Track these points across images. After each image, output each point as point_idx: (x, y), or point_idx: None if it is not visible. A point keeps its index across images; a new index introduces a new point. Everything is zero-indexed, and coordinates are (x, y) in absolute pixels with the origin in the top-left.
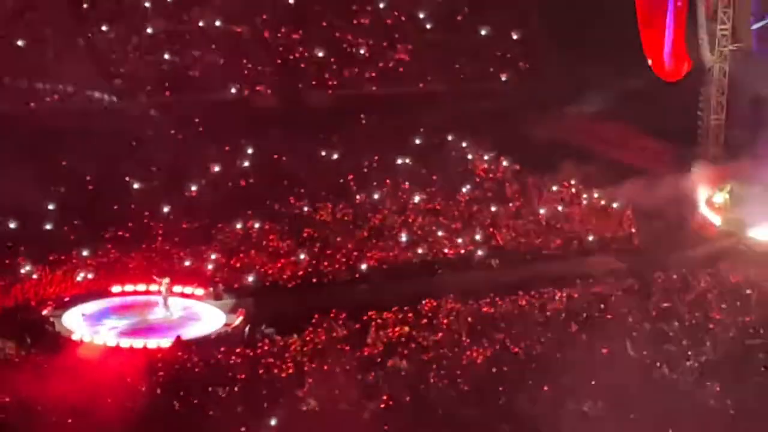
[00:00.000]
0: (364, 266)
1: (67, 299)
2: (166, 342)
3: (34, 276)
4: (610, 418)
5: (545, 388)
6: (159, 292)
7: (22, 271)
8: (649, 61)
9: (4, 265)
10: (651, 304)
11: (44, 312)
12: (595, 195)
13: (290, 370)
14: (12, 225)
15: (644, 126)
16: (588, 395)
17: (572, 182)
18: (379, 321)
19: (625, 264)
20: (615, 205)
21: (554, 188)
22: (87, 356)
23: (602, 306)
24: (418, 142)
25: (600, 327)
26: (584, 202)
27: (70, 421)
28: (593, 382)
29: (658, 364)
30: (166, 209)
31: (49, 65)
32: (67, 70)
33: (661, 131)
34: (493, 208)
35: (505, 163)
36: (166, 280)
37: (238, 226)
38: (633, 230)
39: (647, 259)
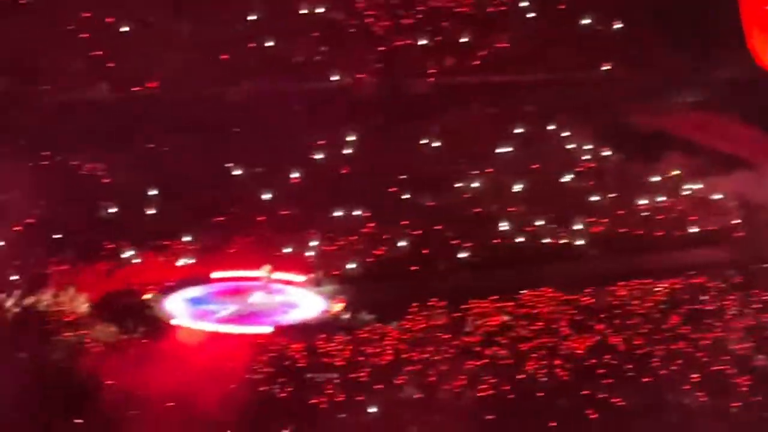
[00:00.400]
0: (464, 255)
1: (169, 284)
2: (266, 328)
3: (137, 261)
4: (710, 409)
5: (645, 379)
6: (260, 278)
7: (125, 255)
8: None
9: (108, 250)
10: (753, 295)
11: (147, 297)
12: (698, 186)
13: (389, 358)
14: (116, 210)
15: (749, 116)
16: (689, 387)
17: (675, 173)
18: (478, 310)
19: (728, 255)
20: (718, 196)
21: (656, 178)
22: (188, 341)
23: (704, 297)
24: (519, 130)
25: (701, 318)
26: (687, 192)
27: (171, 404)
28: (694, 374)
29: (759, 355)
30: (267, 196)
31: (153, 52)
32: (170, 56)
33: (766, 122)
34: (593, 198)
35: (606, 153)
36: (268, 266)
37: (339, 213)
38: (736, 222)
39: (750, 251)
